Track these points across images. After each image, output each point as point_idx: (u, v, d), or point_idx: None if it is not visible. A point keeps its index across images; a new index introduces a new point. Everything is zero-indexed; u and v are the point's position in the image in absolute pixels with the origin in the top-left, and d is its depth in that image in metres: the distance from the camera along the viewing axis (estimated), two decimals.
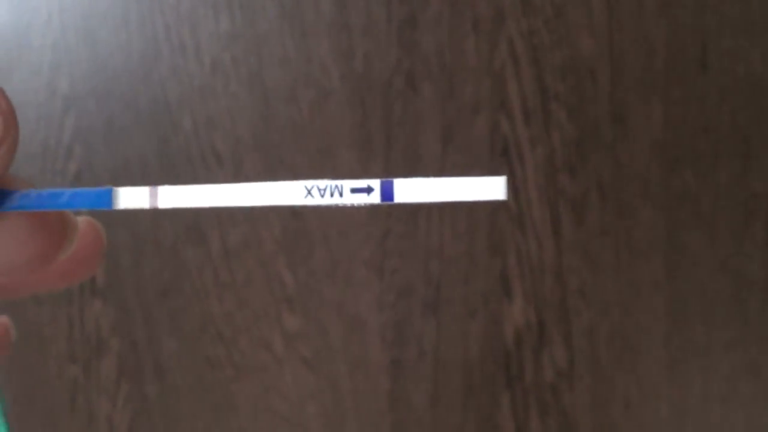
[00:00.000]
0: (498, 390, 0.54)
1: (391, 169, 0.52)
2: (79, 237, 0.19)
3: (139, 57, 0.53)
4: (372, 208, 0.52)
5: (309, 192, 0.16)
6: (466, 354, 0.53)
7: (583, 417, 0.54)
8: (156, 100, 0.53)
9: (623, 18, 0.51)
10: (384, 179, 0.16)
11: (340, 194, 0.16)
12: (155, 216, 0.54)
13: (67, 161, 0.54)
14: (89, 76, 0.54)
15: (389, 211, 0.52)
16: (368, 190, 0.16)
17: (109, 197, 0.17)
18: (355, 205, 0.16)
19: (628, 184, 0.52)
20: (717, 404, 0.53)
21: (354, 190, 0.16)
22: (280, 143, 0.52)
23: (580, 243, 0.52)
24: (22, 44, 0.54)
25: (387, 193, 0.16)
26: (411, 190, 0.16)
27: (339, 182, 0.16)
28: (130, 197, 0.17)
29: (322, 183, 0.16)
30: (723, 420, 0.53)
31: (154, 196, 0.17)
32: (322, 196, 0.16)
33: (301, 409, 0.55)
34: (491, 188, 0.16)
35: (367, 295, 0.53)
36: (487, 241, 0.52)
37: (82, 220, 0.19)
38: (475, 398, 0.54)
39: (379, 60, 0.51)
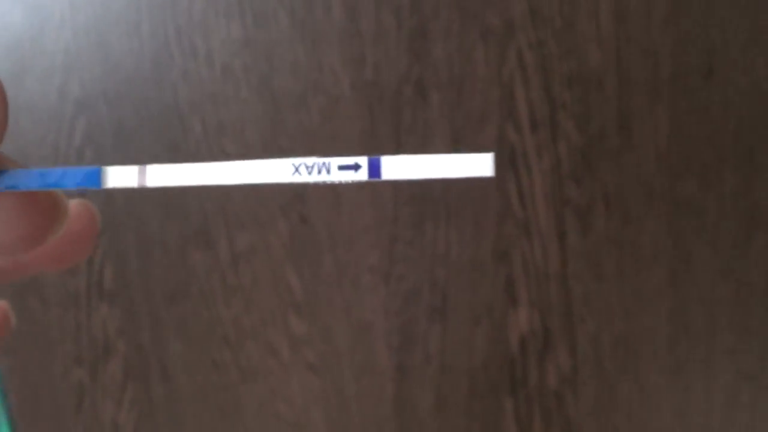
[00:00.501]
0: (502, 396, 0.54)
1: None
2: (73, 219, 0.19)
3: (150, 62, 0.53)
4: (379, 214, 0.53)
5: (297, 169, 0.16)
6: (471, 360, 0.54)
7: (586, 423, 0.54)
8: (167, 105, 0.53)
9: (630, 29, 0.51)
10: (371, 156, 0.16)
11: (328, 171, 0.16)
12: (163, 219, 0.54)
13: (77, 164, 0.55)
14: (101, 79, 0.54)
15: (396, 216, 0.53)
16: (356, 167, 0.16)
17: (98, 176, 0.17)
18: (343, 182, 0.16)
19: (634, 193, 0.52)
20: (719, 411, 0.54)
21: (341, 167, 0.16)
22: (290, 149, 0.53)
23: (585, 251, 0.53)
24: (35, 48, 0.54)
25: (374, 169, 0.16)
26: (398, 166, 0.16)
27: (326, 159, 0.16)
28: (119, 176, 0.17)
29: (310, 160, 0.16)
30: (725, 426, 0.54)
31: (142, 174, 0.17)
32: (310, 173, 0.16)
33: (306, 414, 0.55)
34: (479, 165, 0.15)
35: (374, 301, 0.54)
36: (493, 248, 0.53)
37: (76, 203, 0.19)
38: (479, 404, 0.54)
39: (389, 68, 0.52)
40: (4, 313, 0.21)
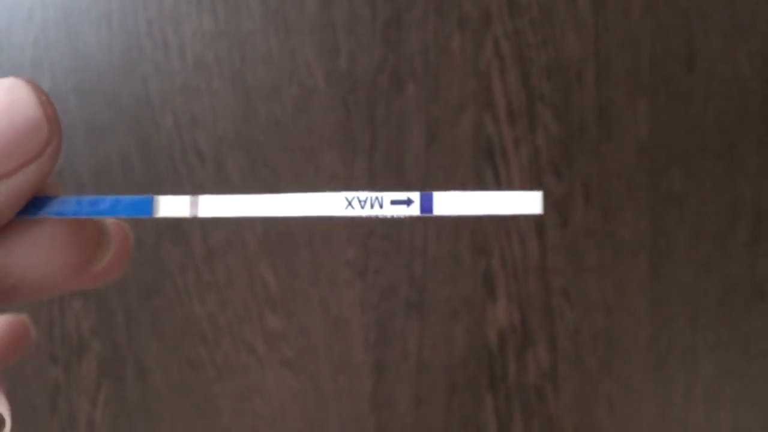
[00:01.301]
0: (481, 391, 0.53)
1: (374, 168, 0.52)
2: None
3: (121, 54, 0.52)
4: None
5: (350, 203, 0.16)
6: (450, 355, 0.53)
7: (566, 418, 0.53)
8: (138, 98, 0.52)
9: (609, 19, 0.50)
10: (423, 192, 0.16)
11: (381, 206, 0.16)
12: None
13: None
14: (71, 73, 0.53)
15: None
16: (408, 202, 0.16)
17: (149, 205, 0.17)
18: (395, 216, 0.16)
19: (613, 184, 0.52)
20: (701, 405, 0.53)
21: (394, 202, 0.16)
22: (263, 142, 0.52)
23: (564, 244, 0.52)
24: (3, 41, 0.53)
25: (426, 205, 0.16)
26: (449, 202, 0.16)
27: (379, 194, 0.16)
28: (171, 206, 0.17)
29: (363, 194, 0.16)
30: (707, 421, 0.53)
31: (194, 205, 0.17)
32: (363, 207, 0.16)
33: (283, 411, 0.54)
34: (528, 203, 0.16)
35: (350, 296, 0.53)
36: (471, 241, 0.52)
37: (111, 223, 0.19)
38: (458, 399, 0.54)
39: (364, 59, 0.51)
40: (25, 326, 0.20)
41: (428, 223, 0.52)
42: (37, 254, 0.17)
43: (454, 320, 0.53)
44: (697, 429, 0.53)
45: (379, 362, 0.54)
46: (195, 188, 0.53)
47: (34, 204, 0.16)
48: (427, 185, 0.52)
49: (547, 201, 0.52)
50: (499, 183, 0.51)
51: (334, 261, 0.53)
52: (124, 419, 0.55)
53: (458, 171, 0.51)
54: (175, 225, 0.53)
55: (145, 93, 0.52)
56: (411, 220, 0.52)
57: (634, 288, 0.52)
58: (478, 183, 0.51)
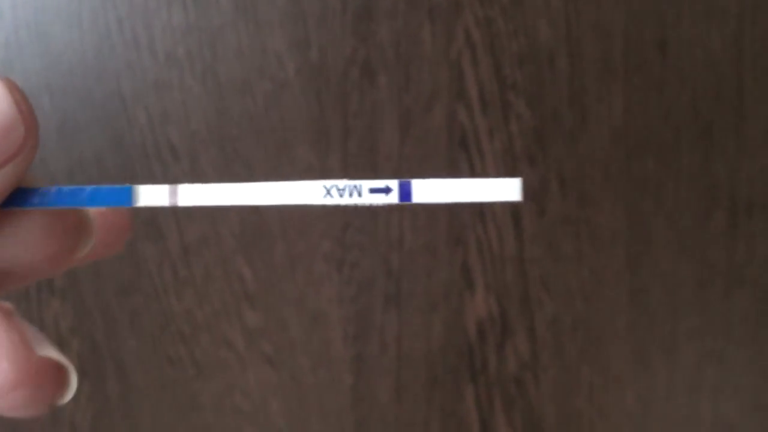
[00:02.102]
0: (462, 383, 0.53)
1: (348, 160, 0.51)
2: (100, 230, 0.19)
3: (92, 52, 0.52)
4: None
5: (328, 192, 0.16)
6: (429, 347, 0.53)
7: (547, 408, 0.53)
8: (110, 95, 0.52)
9: (580, 5, 0.50)
10: (402, 180, 0.16)
11: (359, 194, 0.16)
12: None
13: None
14: (42, 72, 0.53)
15: None
16: (386, 190, 0.16)
17: (129, 195, 0.17)
18: (374, 204, 0.16)
19: (589, 172, 0.51)
20: (682, 392, 0.53)
21: (373, 190, 0.16)
22: (236, 136, 0.52)
23: (541, 233, 0.52)
24: None
25: (405, 193, 0.16)
26: (428, 190, 0.16)
27: (358, 182, 0.16)
28: (150, 195, 0.17)
29: (341, 183, 0.16)
30: (688, 408, 0.53)
31: (173, 194, 0.17)
32: (341, 195, 0.16)
33: (264, 406, 0.54)
34: (507, 189, 0.16)
35: (328, 290, 0.53)
36: (448, 232, 0.52)
37: (95, 210, 0.19)
38: (438, 391, 0.53)
39: (335, 51, 0.51)
40: (66, 373, 0.19)
41: (404, 215, 0.52)
42: (18, 245, 0.17)
43: (433, 312, 0.53)
44: (678, 416, 0.53)
45: (358, 356, 0.53)
46: (170, 184, 0.52)
47: (13, 196, 0.17)
48: (401, 176, 0.51)
49: (523, 190, 0.51)
50: (474, 172, 0.51)
51: (310, 255, 0.52)
52: (105, 418, 0.55)
53: (432, 161, 0.51)
54: (151, 221, 0.53)
55: (117, 90, 0.52)
56: (387, 212, 0.52)
57: (612, 276, 0.52)
58: (453, 173, 0.51)
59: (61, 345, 0.54)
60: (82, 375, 0.54)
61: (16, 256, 0.17)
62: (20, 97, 0.16)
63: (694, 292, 0.52)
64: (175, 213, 0.53)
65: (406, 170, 0.51)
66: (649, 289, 0.52)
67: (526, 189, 0.51)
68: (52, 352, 0.17)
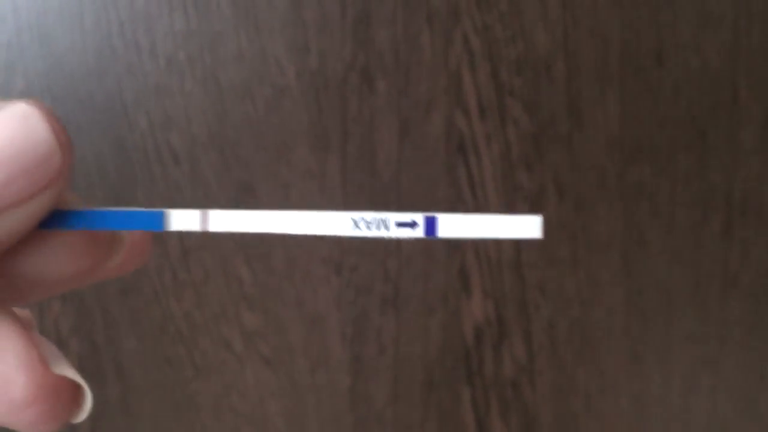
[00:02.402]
0: (458, 385, 0.54)
1: (347, 165, 0.52)
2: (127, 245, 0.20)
3: (94, 56, 0.53)
4: (328, 204, 0.52)
5: (356, 224, 0.17)
6: (426, 350, 0.53)
7: (543, 411, 0.54)
8: (111, 99, 0.53)
9: (578, 12, 0.51)
10: (427, 214, 0.17)
11: (387, 228, 0.17)
12: None
13: None
14: (44, 75, 0.53)
15: (346, 206, 0.52)
16: (413, 224, 0.17)
17: (160, 219, 0.17)
18: (400, 238, 0.17)
19: (585, 178, 0.52)
20: (676, 396, 0.54)
21: (399, 224, 0.17)
22: (236, 141, 0.52)
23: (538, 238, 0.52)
24: None
25: (430, 227, 0.17)
26: (453, 225, 0.17)
27: (385, 216, 0.17)
28: (182, 220, 0.17)
29: (369, 215, 0.17)
30: (682, 412, 0.54)
31: (204, 219, 0.17)
32: (369, 228, 0.17)
33: (262, 408, 0.55)
34: (528, 226, 0.17)
35: (326, 293, 0.53)
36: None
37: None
38: (435, 394, 0.54)
39: (334, 57, 0.51)
40: (81, 393, 0.20)
41: None
42: (50, 262, 0.18)
43: (430, 316, 0.53)
44: (673, 419, 0.54)
45: (356, 358, 0.54)
46: (169, 188, 0.53)
47: (49, 218, 0.17)
48: (399, 181, 0.52)
49: (520, 195, 0.52)
50: (471, 178, 0.52)
51: (309, 258, 0.53)
52: (105, 418, 0.56)
53: (430, 167, 0.52)
54: None
55: (118, 94, 0.53)
56: None
57: (608, 280, 0.53)
58: (450, 178, 0.52)
59: (62, 346, 0.55)
60: (81, 375, 0.55)
61: (48, 271, 0.18)
62: (57, 125, 0.16)
63: (689, 296, 0.53)
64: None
65: (403, 175, 0.52)
66: (644, 293, 0.53)
67: (523, 194, 0.52)
68: (68, 371, 0.17)
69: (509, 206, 0.52)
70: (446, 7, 0.50)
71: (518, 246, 0.52)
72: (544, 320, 0.53)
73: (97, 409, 0.56)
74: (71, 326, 0.55)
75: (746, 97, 0.52)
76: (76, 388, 0.18)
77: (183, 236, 0.53)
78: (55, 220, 0.17)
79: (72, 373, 0.17)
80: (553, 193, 0.52)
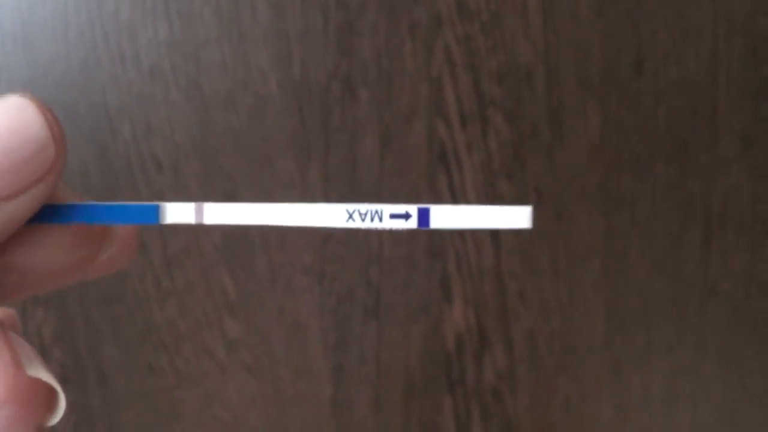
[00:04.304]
0: (440, 394, 0.54)
1: (329, 174, 0.52)
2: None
3: (78, 65, 0.53)
4: None
5: (350, 216, 0.17)
6: (408, 358, 0.54)
7: (524, 419, 0.54)
8: (95, 108, 0.53)
9: (558, 23, 0.51)
10: (420, 206, 0.17)
11: (380, 219, 0.17)
12: None
13: None
14: (28, 84, 0.54)
15: None
16: (406, 216, 0.17)
17: (155, 212, 0.17)
18: (394, 229, 0.17)
19: (566, 187, 0.52)
20: (658, 405, 0.54)
21: (393, 216, 0.17)
22: (219, 150, 0.52)
23: (518, 247, 0.53)
24: None
25: (423, 218, 0.17)
26: (446, 216, 0.17)
27: (379, 207, 0.17)
28: (177, 213, 0.17)
29: (363, 207, 0.17)
30: (664, 419, 0.54)
31: (199, 212, 0.17)
32: (363, 220, 0.17)
33: (244, 416, 0.55)
34: (518, 217, 0.18)
35: (308, 301, 0.53)
36: (427, 245, 0.52)
37: None
38: (417, 403, 0.54)
39: (317, 66, 0.51)
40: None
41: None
42: (42, 256, 0.17)
43: (412, 324, 0.53)
44: (654, 427, 0.54)
45: (338, 366, 0.54)
46: (153, 196, 0.53)
47: (42, 212, 0.17)
48: (380, 190, 0.52)
49: (501, 204, 0.52)
50: (453, 187, 0.52)
51: (291, 267, 0.53)
52: (87, 427, 0.56)
53: (412, 176, 0.52)
54: None
55: (102, 103, 0.53)
56: None
57: (588, 289, 0.53)
58: (432, 187, 0.52)
59: (44, 353, 0.55)
60: (64, 383, 0.55)
61: (39, 265, 0.18)
62: (51, 118, 0.16)
63: (669, 305, 0.53)
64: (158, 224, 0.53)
65: (385, 184, 0.52)
66: (624, 302, 0.53)
67: (504, 203, 0.52)
68: (42, 373, 0.17)
69: None
70: (428, 17, 0.51)
71: (499, 255, 0.53)
72: (525, 329, 0.53)
73: (80, 417, 0.56)
74: (53, 334, 0.55)
75: (726, 108, 0.52)
76: (50, 391, 0.17)
77: (166, 244, 0.53)
78: (48, 213, 0.17)
79: (46, 376, 0.17)
80: (534, 202, 0.52)
